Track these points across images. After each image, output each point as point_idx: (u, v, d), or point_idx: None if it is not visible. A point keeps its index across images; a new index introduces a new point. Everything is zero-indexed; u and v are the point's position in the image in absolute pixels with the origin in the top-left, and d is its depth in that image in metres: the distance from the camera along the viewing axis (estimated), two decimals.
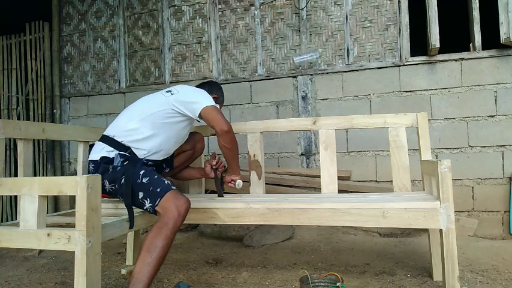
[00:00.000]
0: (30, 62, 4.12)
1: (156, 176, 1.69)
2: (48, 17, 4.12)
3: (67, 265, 2.42)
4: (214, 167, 2.10)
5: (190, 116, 1.87)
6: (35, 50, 4.13)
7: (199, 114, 1.84)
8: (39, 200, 1.42)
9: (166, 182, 1.67)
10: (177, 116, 1.88)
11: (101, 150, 1.79)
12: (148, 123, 1.83)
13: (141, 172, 1.69)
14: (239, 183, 2.09)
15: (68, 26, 4.18)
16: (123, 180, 1.68)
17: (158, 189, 1.62)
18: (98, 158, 1.77)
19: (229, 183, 2.11)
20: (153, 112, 1.84)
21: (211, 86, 2.14)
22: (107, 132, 1.86)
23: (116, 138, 1.81)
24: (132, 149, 1.80)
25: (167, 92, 1.93)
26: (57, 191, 1.41)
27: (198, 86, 2.12)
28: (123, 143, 1.80)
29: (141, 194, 1.65)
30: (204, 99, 1.86)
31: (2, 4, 4.41)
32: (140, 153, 1.82)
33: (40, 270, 2.35)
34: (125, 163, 1.74)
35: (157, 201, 1.61)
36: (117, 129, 1.84)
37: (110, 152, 1.78)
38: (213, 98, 2.07)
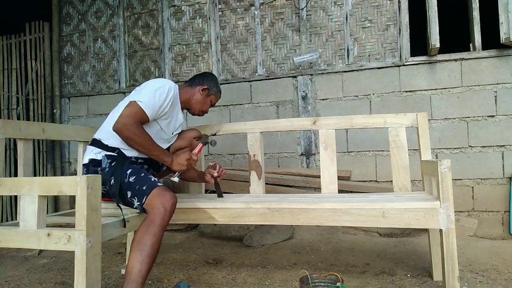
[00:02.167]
0: (30, 62, 4.12)
1: (142, 174, 1.69)
2: (48, 17, 4.12)
3: (67, 265, 2.42)
4: (214, 176, 2.09)
5: None
6: (35, 50, 4.13)
7: None
8: (39, 200, 1.42)
9: (152, 180, 1.67)
10: None
11: (90, 153, 1.80)
12: None
13: (128, 171, 1.70)
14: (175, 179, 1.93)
15: (68, 26, 4.19)
16: (112, 181, 1.68)
17: (144, 187, 1.63)
18: (87, 161, 1.78)
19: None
20: None
21: (203, 77, 2.08)
22: (95, 136, 1.87)
23: (103, 141, 1.81)
24: (121, 149, 1.80)
25: (138, 87, 1.91)
26: (57, 191, 1.41)
27: (191, 78, 2.11)
28: (109, 145, 1.80)
29: (129, 193, 1.66)
30: (137, 96, 1.77)
31: (2, 4, 4.41)
32: (130, 154, 1.82)
33: (40, 270, 2.35)
34: (113, 164, 1.74)
35: (144, 199, 1.61)
36: (103, 132, 1.84)
37: (97, 153, 1.78)
38: (204, 89, 2.03)
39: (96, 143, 1.82)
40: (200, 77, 2.10)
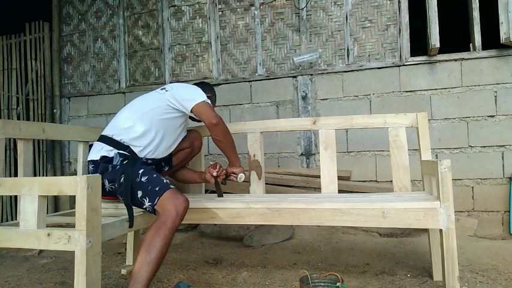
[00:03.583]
0: (30, 62, 4.12)
1: (155, 175, 1.69)
2: (48, 17, 4.12)
3: (67, 265, 2.42)
4: (214, 175, 2.10)
5: (184, 111, 1.92)
6: (35, 50, 4.13)
7: (192, 109, 1.89)
8: (39, 200, 1.42)
9: (165, 181, 1.67)
10: (173, 112, 1.92)
11: (101, 150, 1.79)
12: (146, 120, 1.85)
13: (140, 171, 1.69)
14: (241, 176, 2.09)
15: (68, 26, 4.19)
16: (122, 179, 1.68)
17: (157, 188, 1.63)
18: (98, 158, 1.77)
19: (232, 177, 2.13)
20: (150, 109, 1.88)
21: (204, 86, 2.17)
22: (105, 132, 1.86)
23: (114, 137, 1.81)
24: (131, 147, 1.81)
25: (162, 89, 1.98)
26: (57, 191, 1.41)
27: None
28: (121, 141, 1.80)
29: (140, 193, 1.65)
30: (196, 95, 1.91)
31: (2, 4, 4.41)
32: (137, 150, 1.83)
33: (40, 270, 2.35)
34: (125, 162, 1.74)
35: (156, 200, 1.61)
36: (115, 128, 1.84)
37: (109, 151, 1.78)
38: (209, 96, 2.10)
39: (107, 140, 1.82)
40: (201, 85, 2.17)
